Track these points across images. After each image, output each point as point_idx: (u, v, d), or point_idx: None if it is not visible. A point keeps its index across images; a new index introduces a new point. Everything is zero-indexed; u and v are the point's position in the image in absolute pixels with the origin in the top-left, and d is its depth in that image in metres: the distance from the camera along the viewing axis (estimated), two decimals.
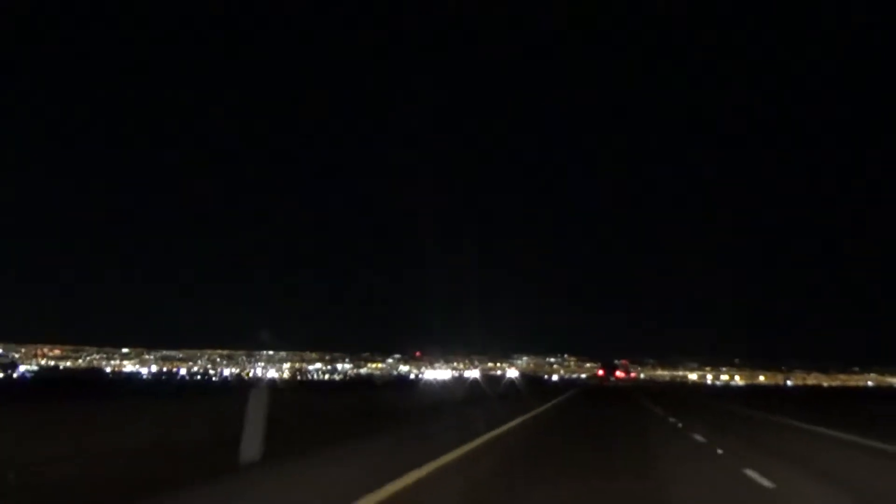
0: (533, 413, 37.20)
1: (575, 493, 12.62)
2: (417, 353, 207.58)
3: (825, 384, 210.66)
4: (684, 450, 21.20)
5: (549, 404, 49.14)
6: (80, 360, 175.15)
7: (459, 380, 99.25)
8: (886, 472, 17.29)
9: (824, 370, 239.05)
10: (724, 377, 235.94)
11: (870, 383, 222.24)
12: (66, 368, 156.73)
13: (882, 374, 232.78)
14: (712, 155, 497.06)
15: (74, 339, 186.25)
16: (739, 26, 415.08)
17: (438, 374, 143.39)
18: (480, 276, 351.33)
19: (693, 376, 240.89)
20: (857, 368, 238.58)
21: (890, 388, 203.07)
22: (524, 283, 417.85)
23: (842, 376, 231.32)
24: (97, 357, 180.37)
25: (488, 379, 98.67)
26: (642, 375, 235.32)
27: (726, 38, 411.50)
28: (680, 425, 30.98)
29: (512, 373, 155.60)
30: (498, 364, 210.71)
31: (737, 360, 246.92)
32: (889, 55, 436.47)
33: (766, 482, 14.20)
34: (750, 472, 15.87)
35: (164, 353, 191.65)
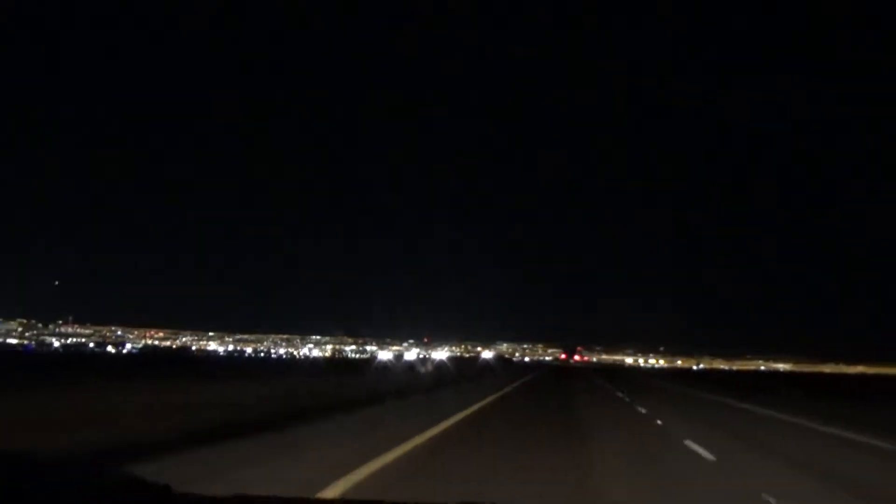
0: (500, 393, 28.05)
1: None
2: (426, 339, 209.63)
3: (724, 367, 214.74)
4: (607, 395, 30.66)
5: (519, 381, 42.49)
6: (177, 341, 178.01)
7: (424, 361, 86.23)
8: (719, 411, 23.25)
9: (725, 357, 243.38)
10: (651, 361, 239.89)
11: (762, 367, 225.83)
12: (164, 347, 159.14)
13: (767, 360, 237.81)
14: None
15: (172, 324, 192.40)
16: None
17: (408, 355, 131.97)
18: (475, 281, 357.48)
19: (629, 360, 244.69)
20: (748, 356, 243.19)
21: (776, 371, 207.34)
22: (509, 285, 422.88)
23: (739, 362, 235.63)
24: (189, 339, 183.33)
25: (459, 360, 78.88)
26: (594, 359, 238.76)
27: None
28: (607, 384, 41.35)
29: (487, 354, 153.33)
30: (487, 348, 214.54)
31: (661, 349, 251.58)
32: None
33: (641, 409, 20.58)
34: (628, 399, 25.96)
35: (239, 336, 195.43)
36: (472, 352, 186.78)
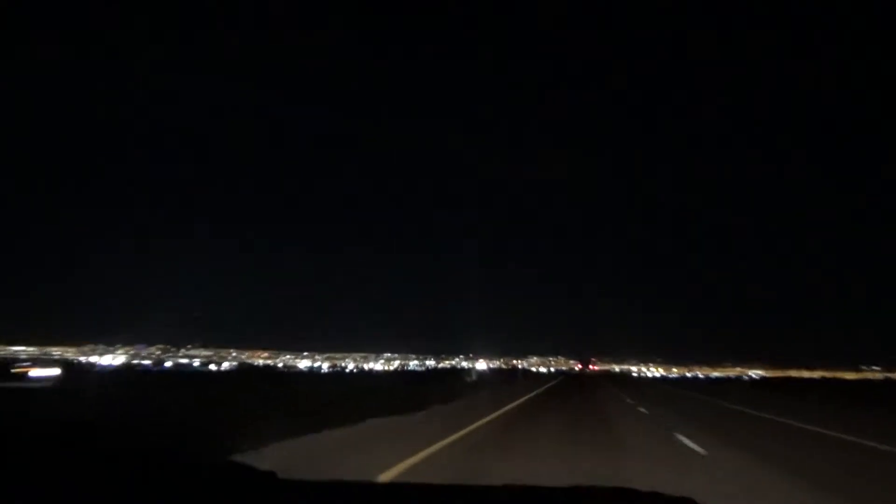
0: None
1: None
2: (471, 354, 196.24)
3: (714, 374, 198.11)
4: (609, 392, 30.56)
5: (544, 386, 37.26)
6: (278, 360, 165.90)
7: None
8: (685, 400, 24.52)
9: (710, 365, 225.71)
10: (653, 370, 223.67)
11: (745, 374, 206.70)
12: (257, 365, 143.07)
13: (743, 367, 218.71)
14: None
15: (276, 346, 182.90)
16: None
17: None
18: (509, 307, 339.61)
19: (634, 369, 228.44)
20: (727, 364, 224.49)
21: (749, 376, 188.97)
22: (537, 311, 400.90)
23: (720, 368, 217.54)
24: (289, 358, 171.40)
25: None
26: (616, 368, 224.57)
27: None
28: (612, 387, 41.26)
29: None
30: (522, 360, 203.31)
31: (658, 360, 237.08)
32: None
33: (643, 409, 18.77)
34: (628, 398, 24.13)
35: (329, 354, 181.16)
36: (510, 364, 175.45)
